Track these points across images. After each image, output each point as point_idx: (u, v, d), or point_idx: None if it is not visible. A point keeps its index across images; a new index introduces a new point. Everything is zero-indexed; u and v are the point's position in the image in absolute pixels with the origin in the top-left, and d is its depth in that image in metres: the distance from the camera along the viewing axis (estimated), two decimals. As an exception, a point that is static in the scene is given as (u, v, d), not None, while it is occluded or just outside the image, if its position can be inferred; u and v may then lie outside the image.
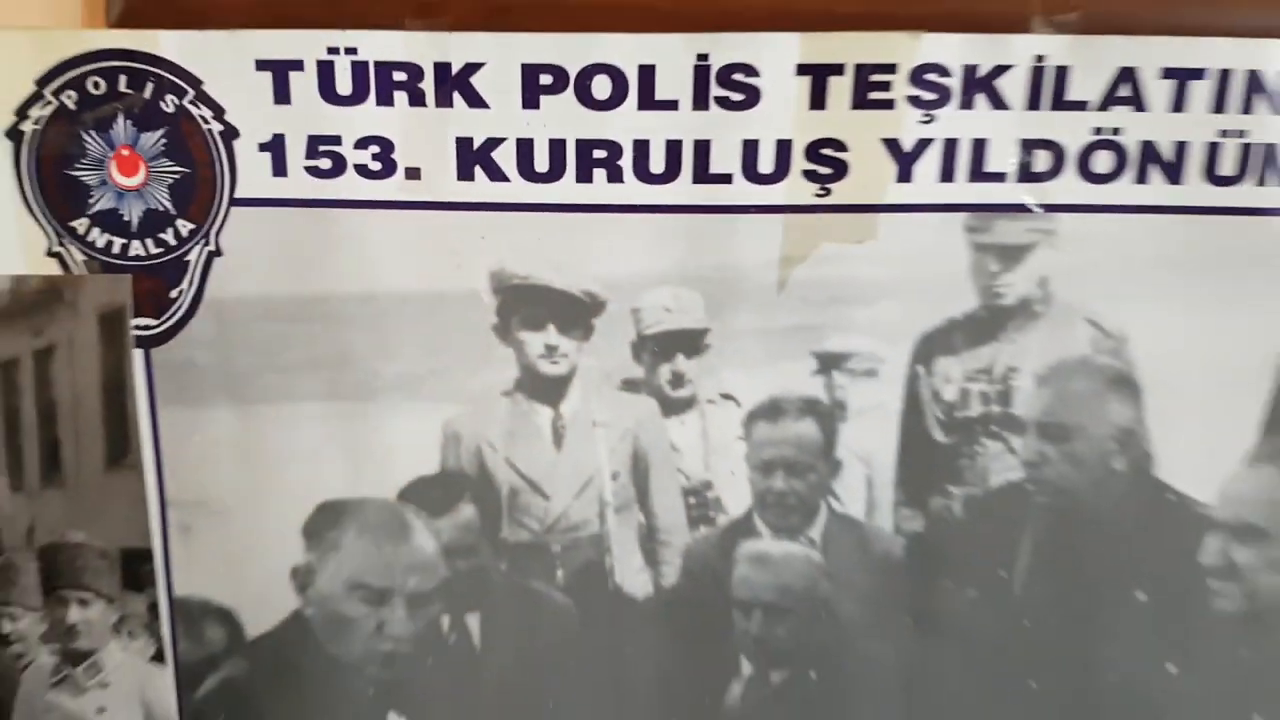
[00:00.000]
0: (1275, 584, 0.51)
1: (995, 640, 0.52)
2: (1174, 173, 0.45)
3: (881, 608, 0.52)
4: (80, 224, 0.45)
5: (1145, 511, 0.51)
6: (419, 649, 0.52)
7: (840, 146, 0.44)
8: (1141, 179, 0.45)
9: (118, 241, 0.46)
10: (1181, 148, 0.45)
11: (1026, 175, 0.45)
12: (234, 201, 0.45)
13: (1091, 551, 0.51)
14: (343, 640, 0.51)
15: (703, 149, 0.44)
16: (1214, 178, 0.45)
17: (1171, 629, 0.52)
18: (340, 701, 0.51)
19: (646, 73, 0.43)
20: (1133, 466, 0.50)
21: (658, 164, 0.45)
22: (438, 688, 0.52)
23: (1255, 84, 0.44)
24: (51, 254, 0.46)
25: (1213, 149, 0.45)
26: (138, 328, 0.46)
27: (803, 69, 0.43)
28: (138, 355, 0.47)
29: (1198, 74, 0.44)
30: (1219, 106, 0.44)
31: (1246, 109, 0.44)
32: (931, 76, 0.43)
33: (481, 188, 0.45)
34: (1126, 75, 0.44)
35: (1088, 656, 0.52)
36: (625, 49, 0.43)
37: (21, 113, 0.44)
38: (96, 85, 0.44)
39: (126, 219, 0.45)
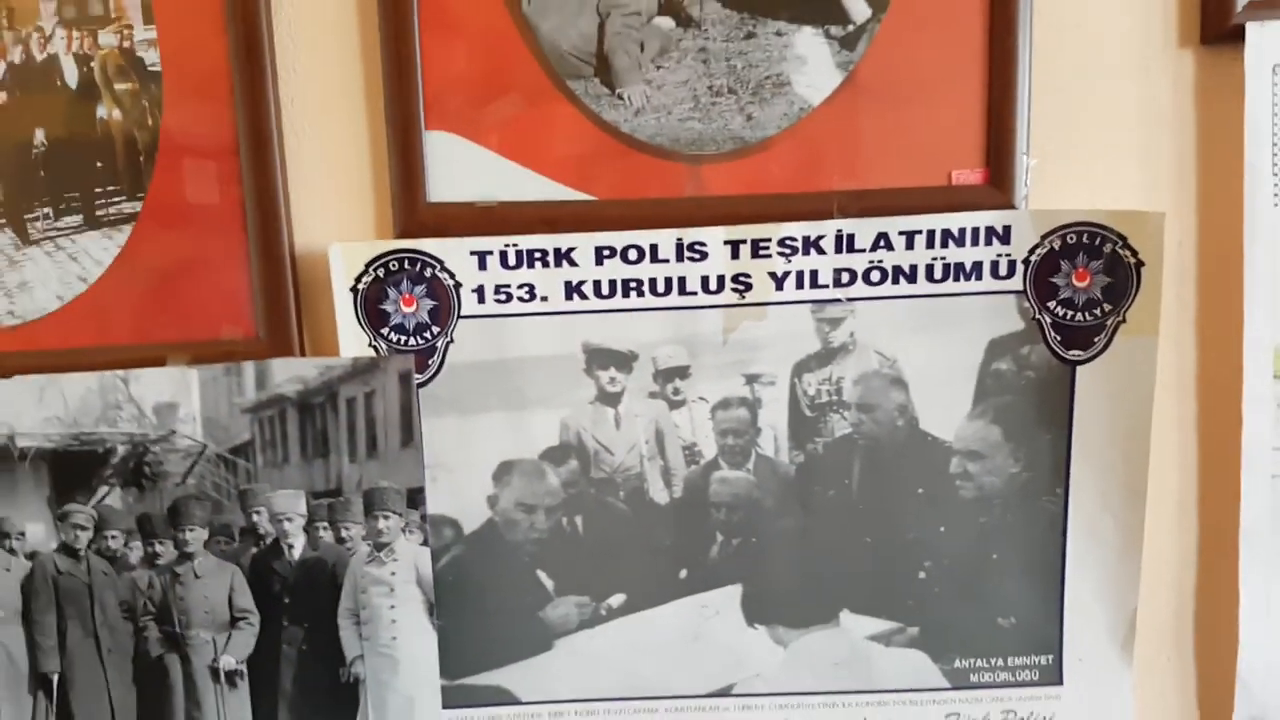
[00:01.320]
0: (992, 481, 0.82)
1: (847, 516, 0.83)
2: (911, 278, 0.79)
3: (786, 502, 0.83)
4: (385, 330, 0.81)
5: (917, 447, 0.82)
6: (551, 535, 0.83)
7: (747, 276, 0.80)
8: (895, 282, 0.79)
9: (403, 338, 0.81)
10: (914, 267, 0.79)
11: (839, 284, 0.80)
12: (460, 316, 0.81)
13: (891, 468, 0.82)
14: (513, 533, 0.84)
15: (682, 281, 0.80)
16: (932, 279, 0.79)
17: (940, 508, 0.83)
18: (511, 566, 0.84)
19: (654, 248, 0.79)
20: (908, 423, 0.81)
21: (661, 288, 0.80)
22: (561, 555, 0.84)
23: (946, 235, 0.79)
24: (370, 345, 0.81)
25: (929, 266, 0.79)
26: (415, 379, 0.81)
27: (727, 242, 0.79)
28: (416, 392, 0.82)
29: (918, 231, 0.79)
30: (930, 245, 0.79)
31: (944, 245, 0.79)
32: (788, 242, 0.79)
33: (576, 303, 0.80)
34: (883, 235, 0.79)
35: (896, 523, 0.83)
36: (643, 238, 0.79)
37: (358, 279, 0.80)
38: (393, 265, 0.80)
39: (407, 327, 0.81)
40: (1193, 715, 0.89)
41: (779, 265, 0.80)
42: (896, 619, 0.85)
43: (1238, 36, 0.78)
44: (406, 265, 0.81)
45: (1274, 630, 0.84)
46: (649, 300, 0.81)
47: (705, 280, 0.81)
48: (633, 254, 0.80)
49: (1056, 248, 0.79)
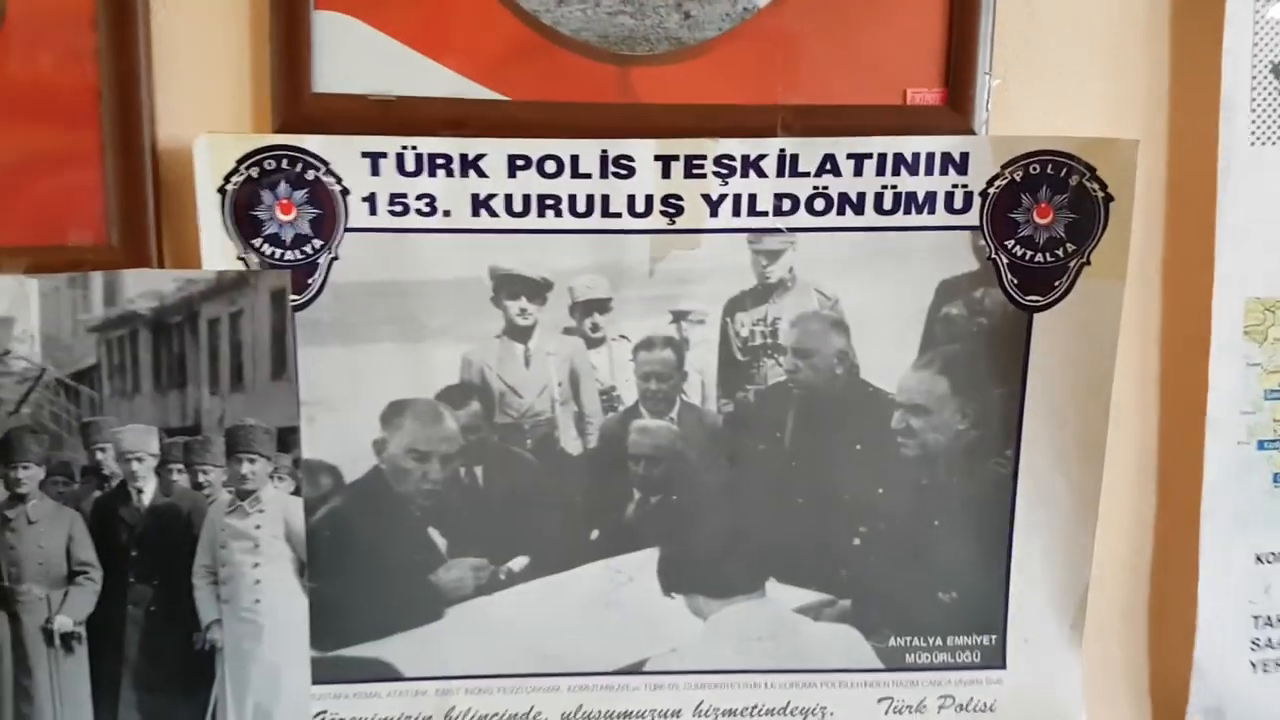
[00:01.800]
0: (936, 439, 0.76)
1: (777, 474, 0.76)
2: (859, 208, 0.73)
3: (711, 456, 0.76)
4: (257, 241, 0.71)
5: (857, 398, 0.75)
6: (446, 488, 0.75)
7: (679, 198, 0.72)
8: (841, 212, 0.72)
9: (279, 251, 0.72)
10: (861, 195, 0.72)
11: (779, 212, 0.73)
12: (347, 229, 0.72)
13: (828, 421, 0.76)
14: (402, 483, 0.75)
15: (605, 199, 0.72)
16: (881, 211, 0.73)
17: (879, 467, 0.76)
18: (399, 522, 0.75)
19: (574, 159, 0.72)
20: (847, 372, 0.75)
21: (581, 207, 0.72)
22: (457, 511, 0.76)
23: (899, 160, 0.72)
24: (239, 258, 0.71)
25: (879, 195, 0.73)
26: (292, 301, 0.72)
27: (657, 158, 0.72)
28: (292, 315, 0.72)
29: (869, 155, 0.72)
30: (880, 171, 0.72)
31: (896, 173, 0.72)
32: (725, 161, 0.72)
33: (484, 220, 0.72)
34: (829, 158, 0.72)
35: (831, 482, 0.77)
36: (563, 148, 0.71)
37: (227, 179, 0.70)
38: (269, 164, 0.71)
39: (284, 239, 0.72)
40: (1145, 705, 0.84)
41: (714, 187, 0.73)
42: (828, 590, 0.79)
43: (1219, -45, 0.73)
44: (285, 165, 0.71)
45: (1234, 612, 0.78)
46: (567, 221, 0.73)
47: (632, 200, 0.73)
48: (550, 166, 0.72)
49: (1017, 179, 0.73)
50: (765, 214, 0.74)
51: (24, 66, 0.71)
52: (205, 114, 0.73)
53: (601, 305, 0.75)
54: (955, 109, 0.73)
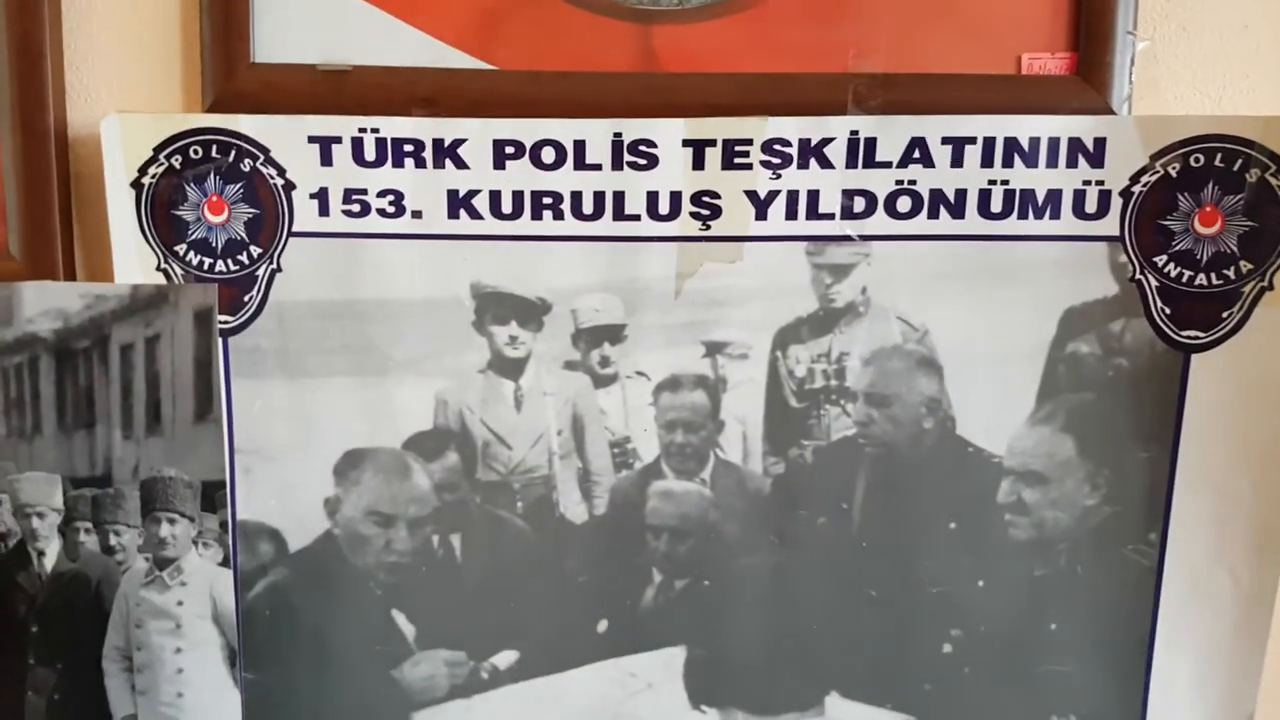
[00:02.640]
0: (1057, 517, 0.66)
1: (840, 557, 0.66)
2: (956, 210, 0.61)
3: (755, 531, 0.66)
4: (181, 248, 0.62)
5: (951, 460, 0.65)
6: (416, 560, 0.67)
7: (715, 195, 0.61)
8: (933, 215, 0.61)
9: (207, 261, 0.62)
10: (961, 193, 0.61)
11: (848, 214, 0.61)
12: (291, 234, 0.62)
13: (911, 490, 0.65)
14: (360, 554, 0.66)
15: (619, 197, 0.61)
16: (986, 214, 0.61)
17: (979, 552, 0.66)
18: (356, 601, 0.66)
19: (579, 145, 0.60)
20: (939, 426, 0.65)
21: (588, 207, 0.61)
22: (429, 591, 0.67)
23: (1010, 147, 0.60)
24: (160, 269, 0.62)
25: (984, 193, 0.61)
26: (220, 323, 0.62)
27: (686, 143, 0.60)
28: (220, 342, 0.62)
29: (970, 140, 0.60)
30: (986, 162, 0.60)
31: (1007, 164, 0.60)
32: (777, 147, 0.60)
33: (464, 224, 0.62)
34: (917, 142, 0.60)
35: (913, 572, 0.66)
36: (564, 130, 0.60)
37: (143, 170, 0.61)
38: (195, 151, 0.61)
39: (214, 245, 0.62)
40: None
41: (763, 181, 0.61)
42: (906, 709, 0.69)
43: None
44: (215, 152, 0.62)
45: None
46: (570, 225, 0.62)
47: (654, 199, 0.62)
48: (548, 154, 0.61)
49: (1173, 174, 0.61)
50: (830, 217, 0.62)
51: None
52: (123, 92, 0.65)
53: (613, 333, 0.64)
54: (1087, 80, 0.62)
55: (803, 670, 0.67)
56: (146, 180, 0.61)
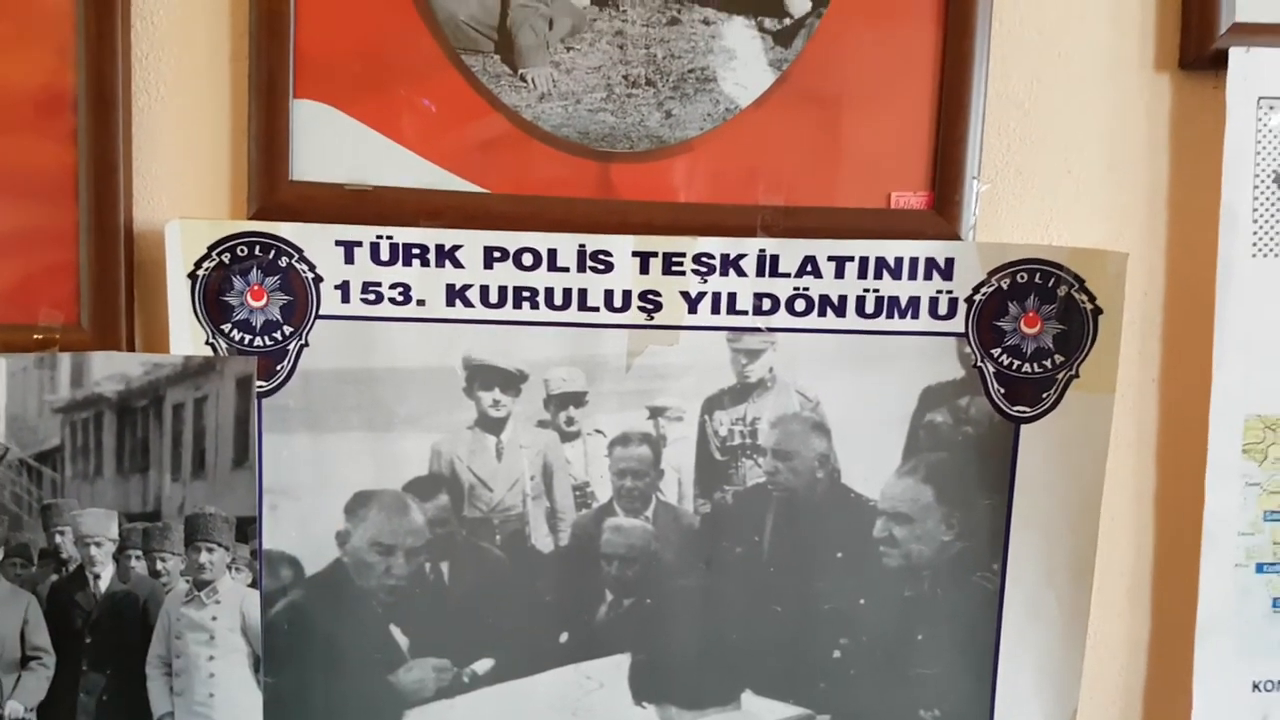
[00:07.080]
0: (921, 550, 0.75)
1: (754, 578, 0.75)
2: (840, 311, 0.72)
3: (687, 558, 0.74)
4: (226, 327, 0.71)
5: (838, 503, 0.74)
6: (410, 583, 0.74)
7: (657, 294, 0.72)
8: (823, 314, 0.72)
9: (248, 337, 0.71)
10: (843, 298, 0.72)
11: (759, 312, 0.72)
12: (318, 316, 0.71)
13: (807, 526, 0.74)
14: (364, 578, 0.74)
15: (583, 293, 0.71)
16: (863, 314, 0.72)
17: (860, 576, 0.75)
18: (360, 617, 0.74)
19: (552, 253, 0.71)
20: (828, 476, 0.74)
21: (558, 300, 0.71)
22: (421, 608, 0.74)
23: (881, 264, 0.71)
24: (208, 343, 0.71)
25: (860, 299, 0.71)
26: (257, 387, 0.71)
27: (635, 254, 0.71)
28: (256, 403, 0.71)
29: (850, 258, 0.71)
30: (862, 275, 0.71)
31: (879, 276, 0.71)
32: (705, 259, 0.71)
33: (459, 310, 0.71)
34: (810, 259, 0.71)
35: (809, 591, 0.75)
36: (540, 240, 0.70)
37: (198, 264, 0.70)
38: (242, 250, 0.70)
39: (254, 325, 0.71)
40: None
41: (693, 284, 0.72)
42: (805, 704, 0.77)
43: (1220, 62, 0.71)
44: (258, 251, 0.71)
45: (1230, 742, 0.74)
46: (544, 313, 0.72)
47: (609, 295, 0.72)
48: (527, 259, 0.71)
49: (1005, 287, 0.72)
50: (745, 313, 0.73)
51: (3, 145, 0.71)
52: (182, 199, 0.73)
53: (577, 399, 0.74)
54: (941, 213, 0.72)
55: (724, 672, 0.75)
56: (201, 272, 0.70)
